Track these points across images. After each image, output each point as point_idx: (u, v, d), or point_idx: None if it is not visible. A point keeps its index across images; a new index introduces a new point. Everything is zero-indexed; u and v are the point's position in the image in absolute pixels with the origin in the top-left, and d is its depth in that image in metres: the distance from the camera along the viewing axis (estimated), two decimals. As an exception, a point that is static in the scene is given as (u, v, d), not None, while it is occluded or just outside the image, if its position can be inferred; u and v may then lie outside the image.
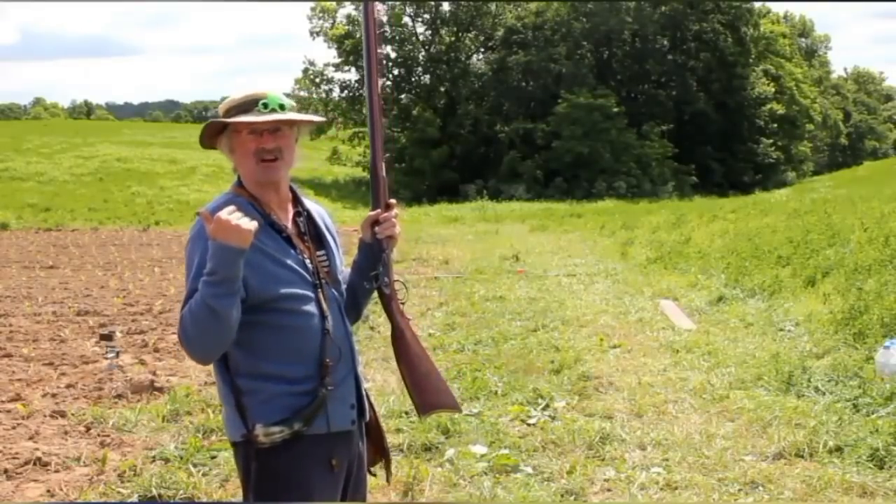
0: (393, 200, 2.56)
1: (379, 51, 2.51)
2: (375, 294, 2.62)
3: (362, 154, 42.18)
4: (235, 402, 2.35)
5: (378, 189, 2.56)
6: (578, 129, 39.60)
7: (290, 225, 2.45)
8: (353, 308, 2.57)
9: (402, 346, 2.56)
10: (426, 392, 2.54)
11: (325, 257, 2.50)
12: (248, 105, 2.36)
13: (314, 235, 2.50)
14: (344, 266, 2.60)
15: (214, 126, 2.40)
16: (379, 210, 2.55)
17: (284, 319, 2.35)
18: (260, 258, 2.30)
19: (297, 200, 2.52)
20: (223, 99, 2.49)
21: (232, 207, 2.22)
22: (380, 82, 2.55)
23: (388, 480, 2.71)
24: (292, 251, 2.40)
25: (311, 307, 2.39)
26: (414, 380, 2.55)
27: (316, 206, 2.59)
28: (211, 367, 2.43)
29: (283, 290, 2.34)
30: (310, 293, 2.40)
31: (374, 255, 2.55)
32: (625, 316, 9.04)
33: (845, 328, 7.22)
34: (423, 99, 45.42)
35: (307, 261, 2.42)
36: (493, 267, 13.36)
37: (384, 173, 2.56)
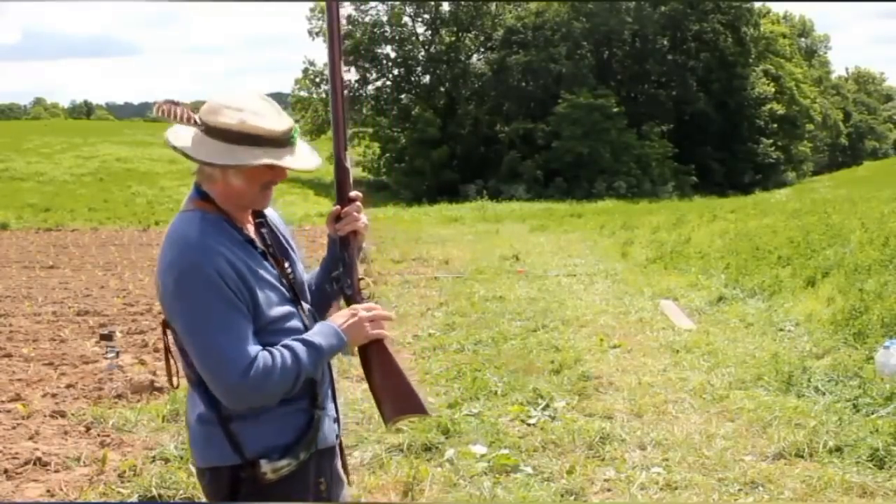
0: (357, 193, 2.36)
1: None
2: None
3: (362, 154, 42.21)
4: (224, 429, 2.19)
5: (342, 181, 2.36)
6: (578, 129, 39.60)
7: (257, 238, 2.29)
8: (324, 312, 2.41)
9: (367, 351, 2.33)
10: (388, 399, 2.35)
11: (289, 268, 2.33)
12: (284, 141, 2.16)
13: (278, 245, 2.34)
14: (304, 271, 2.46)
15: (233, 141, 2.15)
16: (340, 205, 2.36)
17: (274, 341, 2.18)
18: (251, 281, 2.17)
19: (254, 210, 2.34)
20: None
21: (380, 314, 2.30)
22: (343, 77, 2.35)
23: (349, 483, 2.65)
24: (269, 266, 2.25)
25: (295, 323, 2.26)
26: (376, 386, 2.36)
27: (270, 212, 2.40)
28: (184, 382, 2.27)
29: (272, 313, 2.20)
30: (293, 309, 2.27)
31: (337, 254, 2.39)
32: (625, 316, 9.04)
33: (845, 328, 7.22)
34: (423, 99, 45.43)
35: (281, 275, 2.27)
36: (493, 267, 13.34)
37: (348, 164, 2.36)
